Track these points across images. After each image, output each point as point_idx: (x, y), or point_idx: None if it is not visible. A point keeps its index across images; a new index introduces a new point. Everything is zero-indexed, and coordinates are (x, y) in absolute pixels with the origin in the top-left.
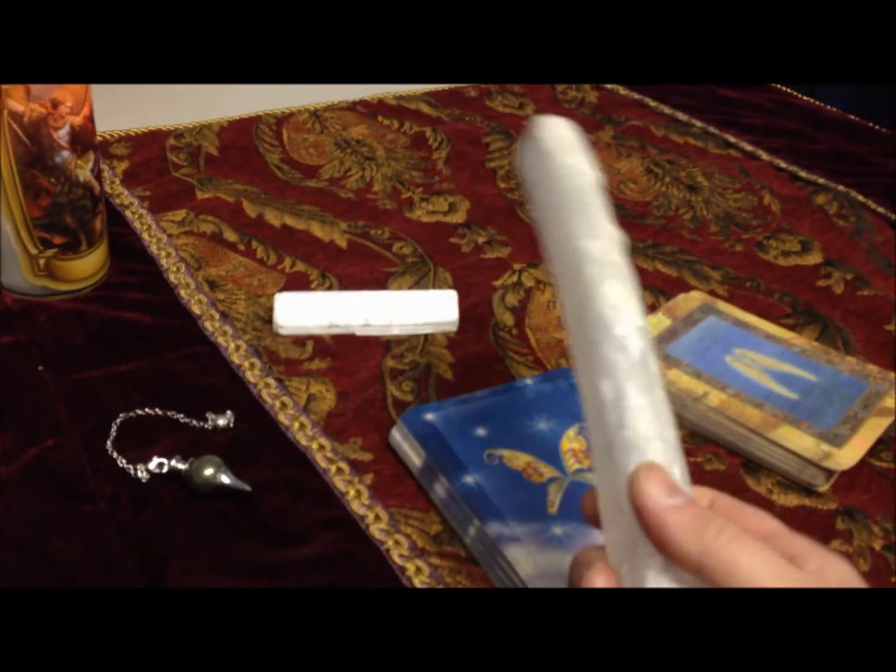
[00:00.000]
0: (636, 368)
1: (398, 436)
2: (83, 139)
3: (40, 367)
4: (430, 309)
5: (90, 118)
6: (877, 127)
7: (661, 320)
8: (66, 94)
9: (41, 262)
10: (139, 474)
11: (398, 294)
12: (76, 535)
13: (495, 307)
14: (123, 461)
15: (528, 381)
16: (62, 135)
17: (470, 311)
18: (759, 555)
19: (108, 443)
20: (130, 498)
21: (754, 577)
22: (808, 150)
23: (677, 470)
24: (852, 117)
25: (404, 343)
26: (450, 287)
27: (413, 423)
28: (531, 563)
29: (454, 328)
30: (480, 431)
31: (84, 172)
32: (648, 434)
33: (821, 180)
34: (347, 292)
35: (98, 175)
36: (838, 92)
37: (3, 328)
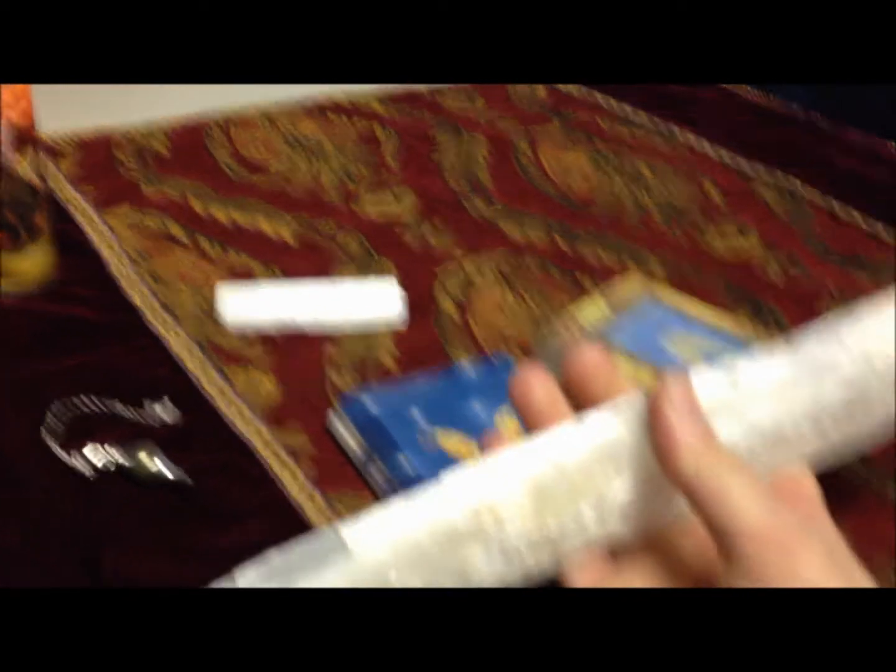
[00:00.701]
0: None
1: (336, 420)
2: (25, 137)
3: None
4: (375, 304)
5: (31, 118)
6: (823, 119)
7: (598, 306)
8: (6, 94)
9: None
10: (75, 463)
11: (342, 288)
12: (10, 520)
13: (438, 297)
14: (60, 451)
15: (467, 367)
16: (3, 134)
17: (415, 303)
18: (754, 487)
19: (45, 433)
20: (66, 486)
21: (741, 509)
22: (754, 143)
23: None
24: (799, 112)
25: (350, 336)
26: (394, 276)
27: (351, 408)
28: None
29: (401, 322)
30: (416, 413)
31: (23, 168)
32: None
33: (762, 170)
34: (291, 284)
35: (40, 172)
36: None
37: None
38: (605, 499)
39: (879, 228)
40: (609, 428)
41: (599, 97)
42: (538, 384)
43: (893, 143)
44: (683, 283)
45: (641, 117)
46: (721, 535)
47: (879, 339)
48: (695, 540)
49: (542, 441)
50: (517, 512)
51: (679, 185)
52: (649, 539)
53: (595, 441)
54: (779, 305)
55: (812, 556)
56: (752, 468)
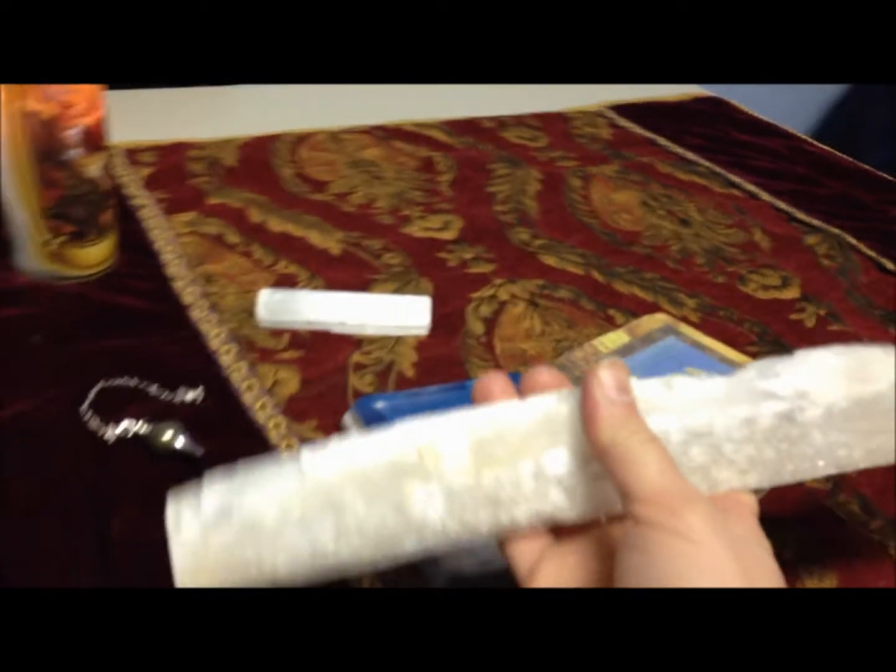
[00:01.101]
0: None
1: (349, 420)
2: (94, 138)
3: (36, 336)
4: (403, 312)
5: (102, 120)
6: (890, 178)
7: (621, 337)
8: (79, 96)
9: (51, 248)
10: (106, 435)
11: (375, 297)
12: (36, 478)
13: (468, 317)
14: (94, 422)
15: None
16: (73, 134)
17: (443, 319)
18: (658, 458)
19: (84, 405)
20: (93, 453)
21: (641, 476)
22: (812, 195)
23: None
24: (866, 167)
25: (375, 342)
26: (429, 295)
27: (364, 409)
28: None
29: (425, 332)
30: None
31: (92, 169)
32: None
33: (816, 222)
34: (328, 292)
35: (108, 171)
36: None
37: (11, 302)
38: (542, 466)
39: None
40: (550, 405)
41: (662, 140)
42: (497, 386)
43: None
44: (716, 326)
45: (702, 163)
46: (625, 501)
47: (813, 379)
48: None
49: (488, 409)
50: (457, 460)
51: (727, 230)
52: (588, 523)
53: (536, 414)
54: None
55: (696, 518)
56: (662, 445)
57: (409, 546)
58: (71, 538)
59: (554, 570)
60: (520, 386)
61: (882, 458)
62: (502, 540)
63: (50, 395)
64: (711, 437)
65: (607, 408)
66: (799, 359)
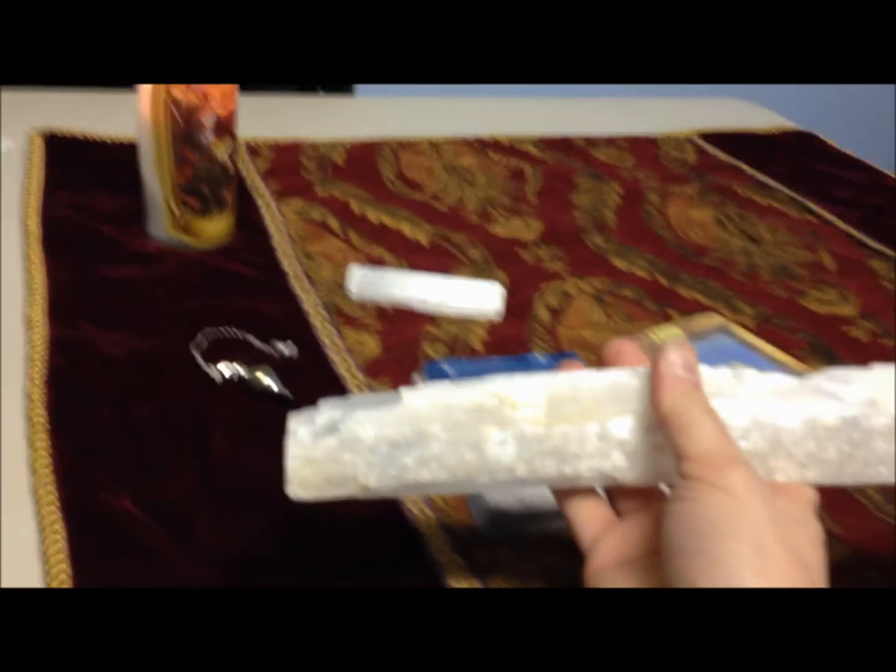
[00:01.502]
0: None
1: (418, 378)
2: (225, 127)
3: (159, 290)
4: (478, 296)
5: (232, 113)
6: None
7: (673, 330)
8: (216, 90)
9: (180, 219)
10: (211, 373)
11: (455, 280)
12: (152, 403)
13: (536, 304)
14: (201, 361)
15: (539, 357)
16: (208, 120)
17: (514, 306)
18: (711, 425)
19: (192, 347)
20: (200, 388)
21: (695, 438)
22: (885, 224)
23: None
24: None
25: (451, 320)
26: (504, 285)
27: (433, 371)
28: None
29: (497, 317)
30: None
31: (222, 153)
32: None
33: (884, 248)
34: (412, 273)
35: (233, 158)
36: None
37: (142, 264)
38: (607, 429)
39: None
40: (622, 378)
41: (745, 167)
42: (628, 349)
43: None
44: (771, 333)
45: (781, 189)
46: (678, 459)
47: (884, 390)
48: None
49: (566, 374)
50: (532, 410)
51: (795, 250)
52: (647, 497)
53: (608, 382)
54: (854, 364)
55: (737, 476)
56: (718, 416)
57: (481, 480)
58: (177, 452)
59: (615, 542)
60: (603, 353)
61: None
62: (567, 509)
63: (166, 339)
64: (773, 428)
65: (672, 380)
66: (873, 370)
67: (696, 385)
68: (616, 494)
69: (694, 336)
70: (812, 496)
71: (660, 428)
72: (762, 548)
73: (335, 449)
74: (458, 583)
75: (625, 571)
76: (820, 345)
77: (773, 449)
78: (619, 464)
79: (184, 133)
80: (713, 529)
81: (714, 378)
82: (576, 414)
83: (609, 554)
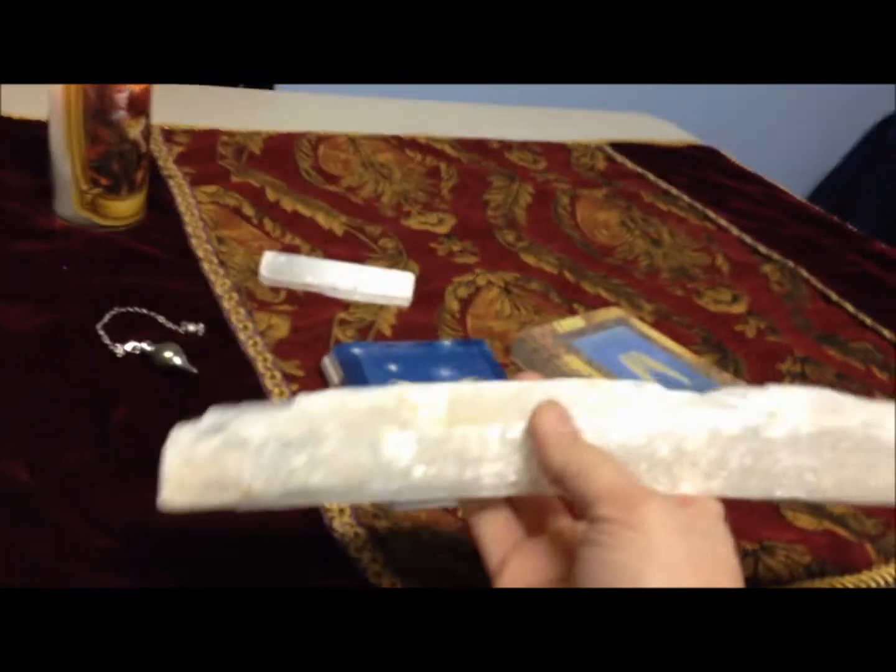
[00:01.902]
0: None
1: (327, 362)
2: (138, 105)
3: (64, 267)
4: (389, 284)
5: (147, 90)
6: (854, 229)
7: (576, 322)
8: None
9: (88, 197)
10: (116, 350)
11: (366, 269)
12: (54, 376)
13: (447, 296)
14: (106, 339)
15: (446, 343)
16: (121, 97)
17: (425, 295)
18: (611, 464)
19: (99, 325)
20: (103, 362)
21: (597, 480)
22: (777, 234)
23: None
24: (833, 217)
25: (361, 306)
26: (415, 275)
27: (342, 354)
28: None
29: (407, 304)
30: (392, 367)
31: (134, 131)
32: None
33: (775, 255)
34: (325, 260)
35: (146, 137)
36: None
37: (48, 240)
38: (509, 432)
39: (868, 319)
40: (525, 386)
41: (651, 176)
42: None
43: None
44: (667, 328)
45: (683, 197)
46: (584, 507)
47: (781, 403)
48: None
49: (473, 382)
50: (433, 412)
51: (693, 253)
52: (550, 513)
53: (511, 389)
54: (745, 358)
55: (648, 511)
56: (614, 459)
57: (375, 486)
58: (78, 422)
59: (522, 569)
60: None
61: (855, 493)
62: (476, 528)
63: (71, 315)
64: (676, 436)
65: (555, 436)
66: (770, 388)
67: (579, 436)
68: (520, 511)
69: (595, 327)
70: (719, 508)
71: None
72: (678, 584)
73: (219, 448)
74: (360, 554)
75: None
76: (712, 339)
77: (677, 457)
78: (521, 468)
79: (96, 108)
80: (628, 573)
81: (616, 389)
82: (478, 415)
83: (516, 580)
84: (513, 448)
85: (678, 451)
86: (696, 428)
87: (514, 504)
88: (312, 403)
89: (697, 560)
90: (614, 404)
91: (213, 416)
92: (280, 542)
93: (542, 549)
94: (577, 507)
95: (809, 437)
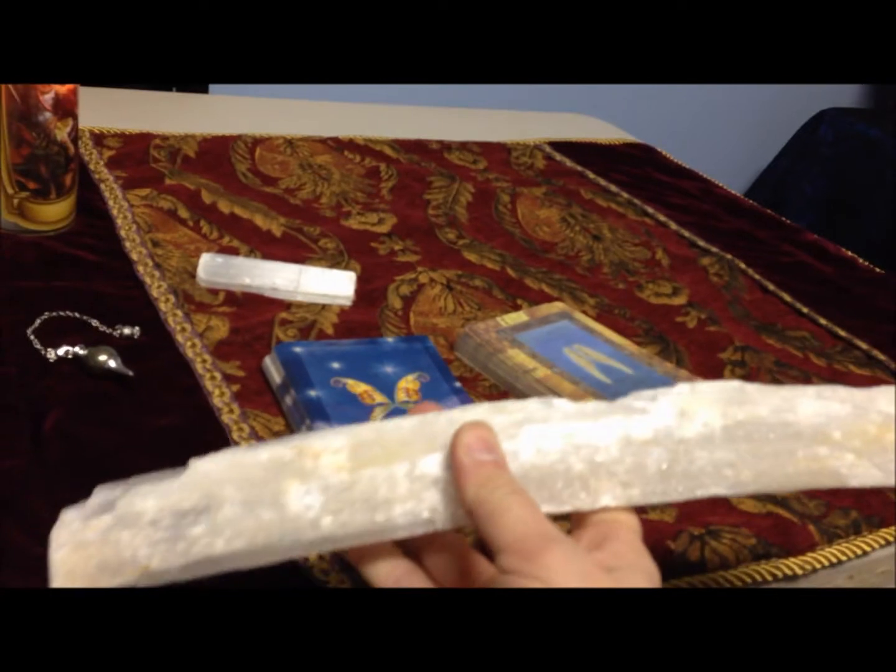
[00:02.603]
0: None
1: (269, 361)
2: (64, 106)
3: None
4: (330, 283)
5: (74, 91)
6: (788, 221)
7: (520, 316)
8: None
9: (15, 202)
10: (48, 355)
11: (306, 268)
12: None
13: (389, 294)
14: (38, 344)
15: (389, 339)
16: (47, 99)
17: (367, 294)
18: (518, 506)
19: (30, 331)
20: (35, 368)
21: (506, 527)
22: (714, 228)
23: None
24: (767, 211)
25: (303, 306)
26: (357, 274)
27: (283, 353)
28: None
29: (349, 303)
30: (335, 365)
31: (61, 133)
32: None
33: (713, 249)
34: (264, 261)
35: (74, 139)
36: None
37: None
38: (417, 468)
39: (804, 308)
40: (430, 417)
41: (590, 174)
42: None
43: (847, 251)
44: (610, 321)
45: (621, 194)
46: (493, 552)
47: (690, 402)
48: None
49: (371, 422)
50: (335, 458)
51: (634, 248)
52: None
53: (414, 422)
54: (686, 348)
55: (552, 558)
56: (526, 496)
57: (285, 543)
58: (9, 429)
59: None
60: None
61: (775, 483)
62: (359, 561)
63: (3, 321)
64: (588, 448)
65: (472, 467)
66: (678, 387)
67: (500, 466)
68: (427, 560)
69: (539, 321)
70: (634, 523)
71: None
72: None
73: (110, 528)
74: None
75: None
76: (654, 331)
77: (592, 470)
78: (435, 504)
79: (20, 110)
80: None
81: (524, 408)
82: (382, 456)
83: None
84: (423, 484)
85: (593, 464)
86: (609, 438)
87: (431, 571)
88: (206, 466)
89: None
90: (522, 425)
91: (101, 495)
92: None
93: (435, 575)
94: (487, 549)
95: (723, 431)
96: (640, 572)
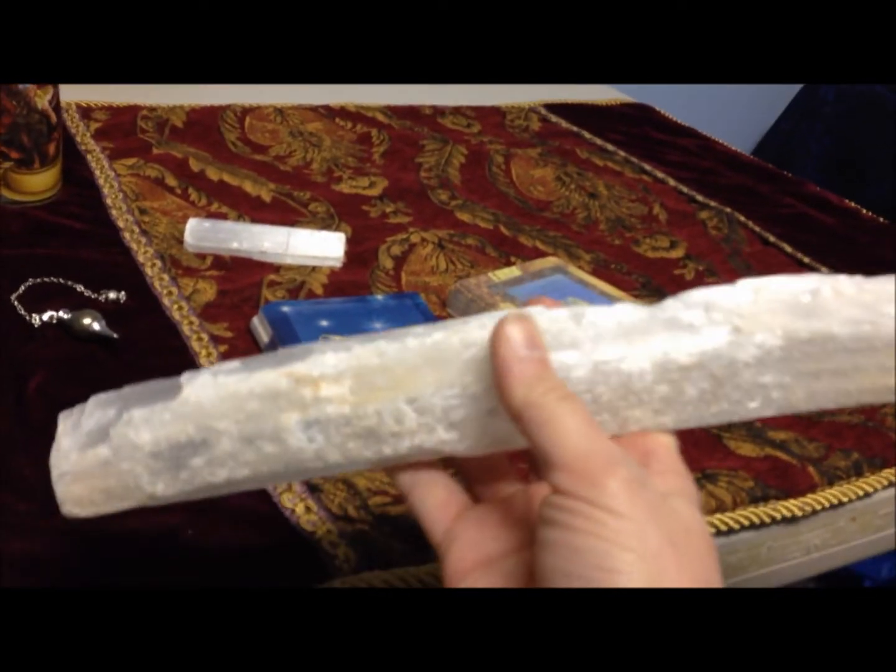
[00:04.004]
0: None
1: (257, 322)
2: None
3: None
4: (319, 245)
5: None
6: (789, 175)
7: (512, 271)
8: None
9: None
10: (33, 321)
11: (295, 230)
12: None
13: (380, 255)
14: (22, 310)
15: (379, 297)
16: None
17: (357, 255)
18: (575, 418)
19: (13, 297)
20: (19, 332)
21: (560, 442)
22: (714, 183)
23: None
24: (769, 165)
25: (292, 268)
26: (348, 237)
27: (271, 313)
28: None
29: (339, 264)
30: (324, 323)
31: (42, 101)
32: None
33: (712, 203)
34: (252, 224)
35: (56, 107)
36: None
37: None
38: (428, 400)
39: (805, 258)
40: (439, 337)
41: (586, 134)
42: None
43: (848, 201)
44: (606, 275)
45: (618, 153)
46: (543, 468)
47: (750, 313)
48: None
49: (376, 337)
50: (336, 388)
51: (630, 204)
52: (496, 475)
53: (425, 345)
54: None
55: (616, 483)
56: (580, 401)
57: (290, 471)
58: None
59: (472, 537)
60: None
61: (829, 401)
62: (411, 496)
63: None
64: (620, 376)
65: (517, 366)
66: (738, 288)
67: (545, 365)
68: (461, 476)
69: (531, 275)
70: (671, 443)
71: (496, 399)
72: (662, 579)
73: (109, 460)
74: (293, 503)
75: (488, 574)
76: (651, 284)
77: (622, 398)
78: (446, 437)
79: None
80: (603, 567)
81: (550, 325)
82: (388, 386)
83: (467, 553)
84: (434, 417)
85: (623, 392)
86: (645, 362)
87: (454, 468)
88: (199, 393)
89: (678, 544)
90: (550, 345)
91: (95, 415)
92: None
93: (493, 518)
94: (536, 459)
95: (781, 352)
96: (686, 498)
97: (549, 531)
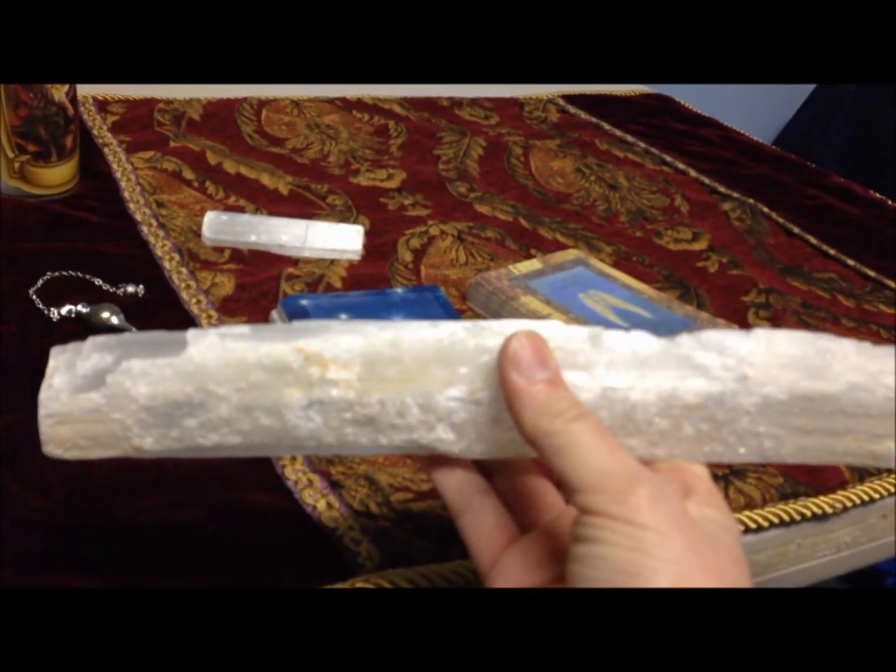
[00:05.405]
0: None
1: (275, 314)
2: None
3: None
4: (338, 238)
5: None
6: (812, 166)
7: (533, 264)
8: None
9: (16, 165)
10: (51, 315)
11: (313, 223)
12: None
13: (399, 247)
14: (40, 304)
15: (399, 290)
16: None
17: (376, 248)
18: (591, 437)
19: (32, 291)
20: (37, 326)
21: (581, 463)
22: (735, 174)
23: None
24: (791, 155)
25: (311, 262)
26: (367, 230)
27: (289, 306)
28: None
29: (357, 257)
30: (343, 316)
31: (59, 94)
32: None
33: (734, 194)
34: (270, 217)
35: (73, 100)
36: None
37: None
38: (433, 398)
39: (831, 250)
40: (457, 336)
41: (605, 125)
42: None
43: (870, 190)
44: (628, 268)
45: (638, 144)
46: (567, 489)
47: (760, 364)
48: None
49: (393, 325)
50: (344, 372)
51: (651, 195)
52: (539, 506)
53: (440, 341)
54: (707, 292)
55: (640, 498)
56: (594, 418)
57: (283, 446)
58: (10, 385)
59: (517, 571)
60: None
61: (814, 458)
62: (465, 529)
63: (6, 281)
64: (625, 404)
65: (526, 393)
66: (753, 338)
67: (557, 384)
68: (510, 502)
69: (552, 268)
70: (704, 473)
71: (501, 403)
72: (686, 582)
73: (100, 407)
74: (314, 500)
75: None
76: (674, 276)
77: (621, 425)
78: (444, 437)
79: None
80: (629, 572)
81: (566, 343)
82: (396, 378)
83: (510, 583)
84: (436, 416)
85: (624, 420)
86: (651, 396)
87: (503, 495)
88: (205, 354)
89: (702, 550)
90: (563, 363)
91: (93, 358)
92: (225, 482)
93: (537, 551)
94: (559, 481)
95: (781, 405)
96: (726, 530)
97: (580, 547)
